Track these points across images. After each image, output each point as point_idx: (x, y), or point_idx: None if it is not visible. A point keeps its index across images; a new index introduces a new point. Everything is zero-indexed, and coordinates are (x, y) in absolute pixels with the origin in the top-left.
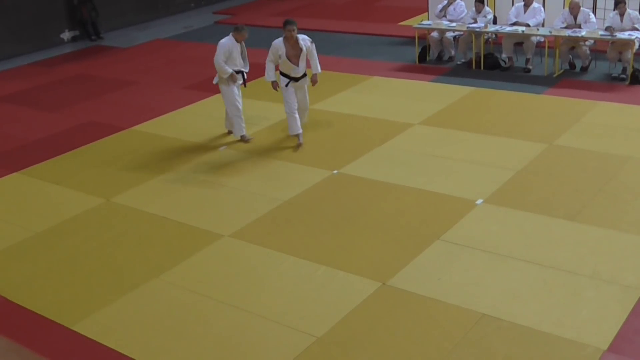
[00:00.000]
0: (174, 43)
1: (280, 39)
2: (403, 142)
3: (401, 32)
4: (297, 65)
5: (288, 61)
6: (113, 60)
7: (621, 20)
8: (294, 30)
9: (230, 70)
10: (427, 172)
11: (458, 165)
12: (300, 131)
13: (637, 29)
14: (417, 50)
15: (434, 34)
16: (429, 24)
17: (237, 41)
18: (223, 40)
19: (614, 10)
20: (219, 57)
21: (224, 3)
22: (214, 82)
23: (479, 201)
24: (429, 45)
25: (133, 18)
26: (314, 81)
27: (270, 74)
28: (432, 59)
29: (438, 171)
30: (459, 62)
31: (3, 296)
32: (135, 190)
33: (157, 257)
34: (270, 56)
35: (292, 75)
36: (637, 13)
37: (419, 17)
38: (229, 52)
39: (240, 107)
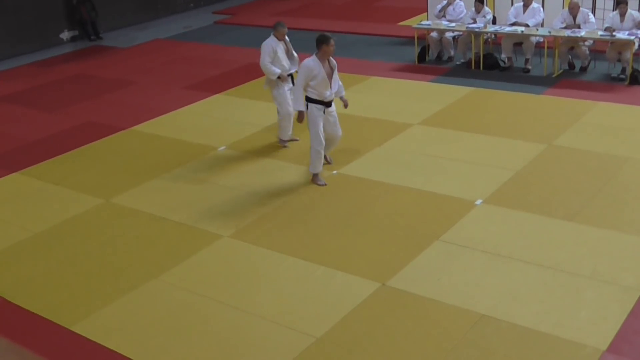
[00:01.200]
0: (174, 43)
1: (312, 58)
2: (402, 142)
3: (400, 32)
4: (331, 86)
5: (327, 81)
6: (112, 61)
7: (621, 21)
8: (334, 45)
9: (278, 71)
10: (426, 172)
11: (457, 165)
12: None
13: (638, 29)
14: (416, 50)
15: (434, 34)
16: (429, 24)
17: (278, 39)
18: (266, 41)
19: (614, 10)
20: (265, 59)
21: (224, 3)
22: (264, 87)
23: (479, 201)
24: (429, 46)
25: (132, 18)
26: (346, 103)
27: (302, 102)
28: (431, 59)
29: (437, 171)
30: (458, 62)
31: (2, 297)
32: (134, 190)
33: (157, 258)
34: (301, 81)
35: (326, 99)
36: (638, 13)
37: (418, 17)
38: (273, 52)
39: (292, 110)
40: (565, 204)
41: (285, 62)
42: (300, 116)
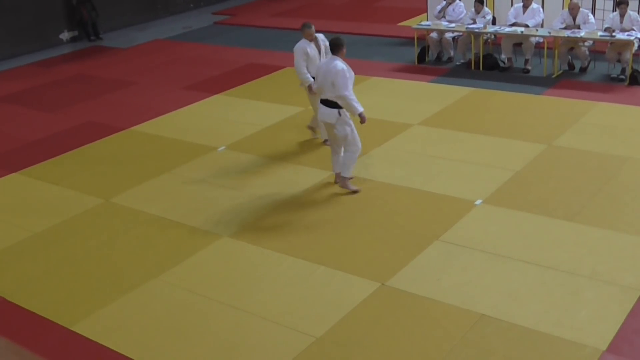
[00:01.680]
0: (173, 43)
1: (340, 60)
2: (402, 142)
3: (400, 32)
4: None
5: (353, 83)
6: (112, 61)
7: (621, 21)
8: None
9: (311, 80)
10: (426, 172)
11: (457, 165)
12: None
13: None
14: (416, 50)
15: (433, 34)
16: (428, 25)
17: (309, 40)
18: (297, 44)
19: (614, 10)
20: (299, 63)
21: (223, 3)
22: (300, 86)
23: (478, 201)
24: (428, 46)
25: (132, 18)
26: None
27: (358, 103)
28: (431, 60)
29: (437, 172)
30: (458, 63)
31: (2, 296)
32: (134, 190)
33: (156, 258)
34: (348, 83)
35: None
36: (637, 14)
37: (418, 18)
38: (305, 54)
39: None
40: (565, 204)
41: (319, 61)
42: (362, 118)
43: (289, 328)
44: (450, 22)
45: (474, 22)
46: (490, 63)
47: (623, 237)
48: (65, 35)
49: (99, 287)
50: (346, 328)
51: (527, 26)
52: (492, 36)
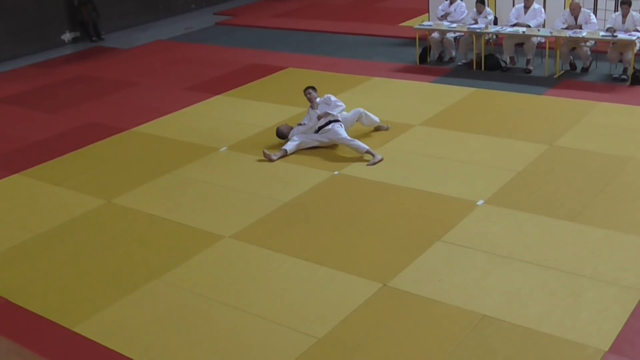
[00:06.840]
0: (175, 44)
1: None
2: (404, 143)
3: (402, 33)
4: None
5: None
6: (114, 62)
7: (623, 22)
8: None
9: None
10: (428, 173)
11: (459, 166)
12: None
13: (638, 30)
14: (417, 51)
15: (435, 34)
16: (430, 25)
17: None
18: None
19: (615, 10)
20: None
21: (225, 4)
22: None
23: (480, 202)
24: (430, 46)
25: (134, 19)
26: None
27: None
28: (432, 60)
29: (439, 172)
30: (459, 63)
31: (4, 297)
32: (136, 191)
33: (158, 258)
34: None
35: None
36: (639, 15)
37: (419, 18)
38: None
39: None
40: (567, 204)
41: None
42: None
43: (290, 329)
44: (452, 22)
45: (476, 23)
46: (492, 63)
47: (625, 237)
48: (67, 36)
49: (101, 288)
50: (348, 329)
51: (528, 26)
52: (494, 36)
